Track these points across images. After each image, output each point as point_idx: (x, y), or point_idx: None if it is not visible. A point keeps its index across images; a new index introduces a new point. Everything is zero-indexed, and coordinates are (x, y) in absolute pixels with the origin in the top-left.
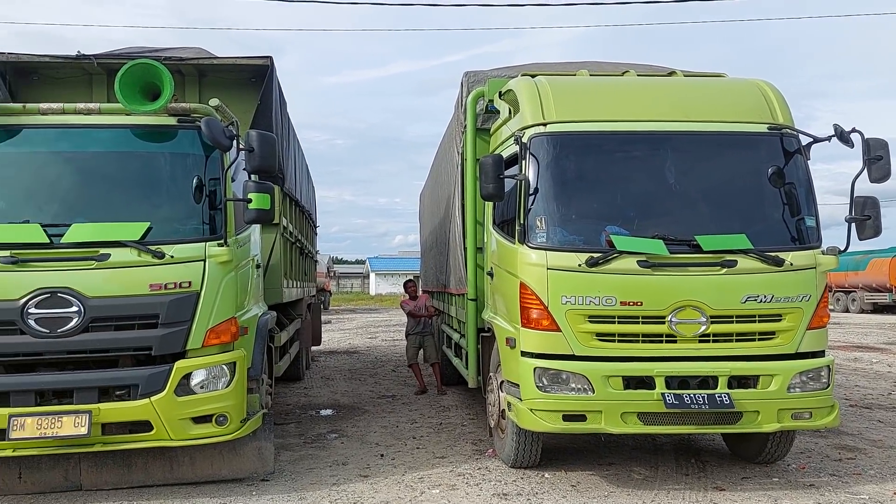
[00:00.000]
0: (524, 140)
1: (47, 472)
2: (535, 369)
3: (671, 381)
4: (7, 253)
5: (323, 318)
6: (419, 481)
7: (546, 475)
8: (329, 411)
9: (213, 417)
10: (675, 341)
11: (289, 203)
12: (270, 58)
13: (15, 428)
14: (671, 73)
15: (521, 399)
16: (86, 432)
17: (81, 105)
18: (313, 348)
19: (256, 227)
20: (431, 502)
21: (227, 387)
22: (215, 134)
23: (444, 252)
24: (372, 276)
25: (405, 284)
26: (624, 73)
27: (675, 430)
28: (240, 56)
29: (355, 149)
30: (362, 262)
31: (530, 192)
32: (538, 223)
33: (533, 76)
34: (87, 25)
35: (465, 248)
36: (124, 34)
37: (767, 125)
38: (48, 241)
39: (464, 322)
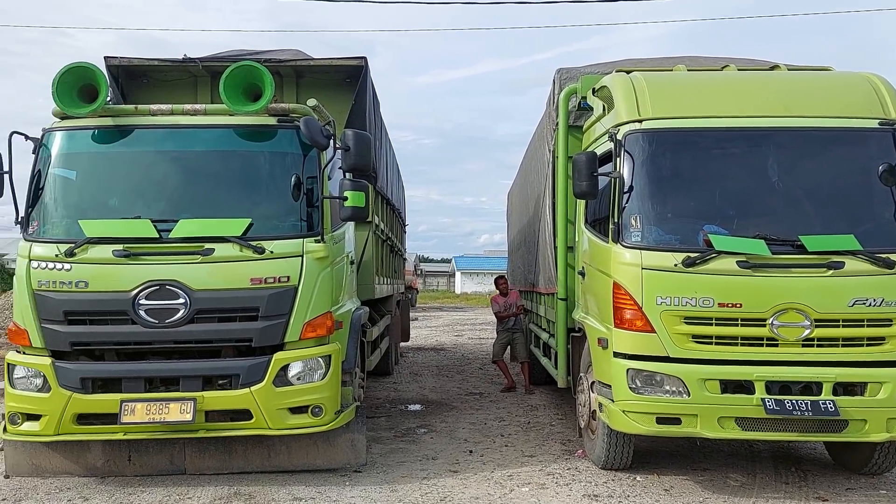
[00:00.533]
0: (619, 137)
1: (154, 455)
2: (627, 370)
3: (772, 387)
4: (120, 247)
5: (410, 314)
6: (508, 479)
7: (638, 478)
8: (418, 406)
9: (309, 408)
10: (776, 345)
11: (381, 201)
12: (364, 58)
13: (126, 412)
14: (774, 67)
15: (613, 400)
16: (190, 419)
17: (188, 106)
18: (402, 344)
19: (350, 225)
20: (521, 500)
21: (322, 379)
22: (313, 133)
23: (533, 251)
24: (458, 274)
25: (496, 280)
26: (723, 67)
27: (775, 437)
28: (335, 57)
29: (442, 148)
30: (448, 261)
31: (625, 190)
32: (633, 222)
33: (628, 72)
34: (187, 30)
35: (555, 247)
36: (223, 38)
37: (879, 120)
38: (157, 236)
39: (553, 322)
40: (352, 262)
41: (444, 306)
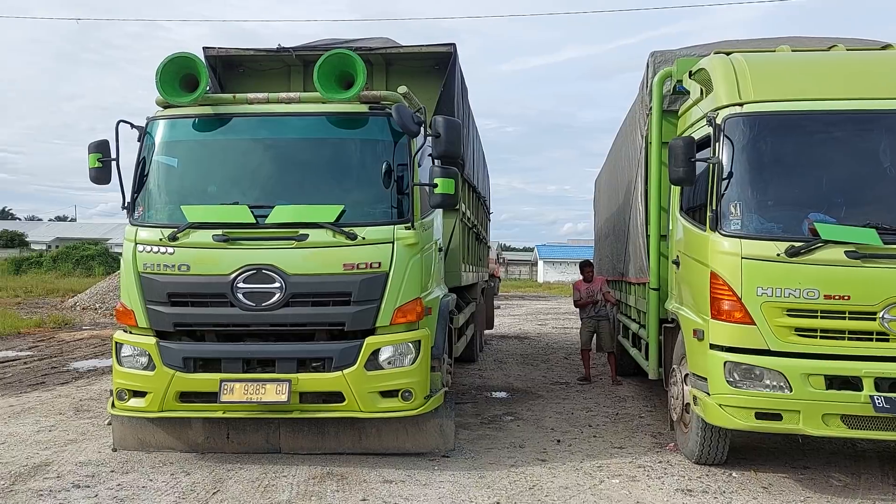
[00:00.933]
0: (718, 121)
1: (251, 434)
2: (725, 363)
3: (881, 383)
4: (220, 232)
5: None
6: (598, 469)
7: (734, 474)
8: (503, 394)
9: (399, 392)
10: (887, 340)
11: (467, 189)
12: (453, 45)
13: (225, 392)
14: (886, 47)
15: (708, 393)
16: (286, 399)
17: (283, 95)
18: (486, 332)
19: (439, 212)
20: (612, 492)
21: (412, 364)
22: (405, 120)
23: (623, 240)
24: (540, 263)
25: (582, 266)
26: (830, 47)
27: (884, 436)
28: (424, 44)
29: (526, 136)
30: (530, 250)
31: (724, 177)
32: (732, 209)
33: (727, 53)
34: (275, 21)
35: (647, 236)
36: (311, 29)
37: None
38: (254, 222)
39: (644, 312)
40: (440, 250)
41: (527, 295)
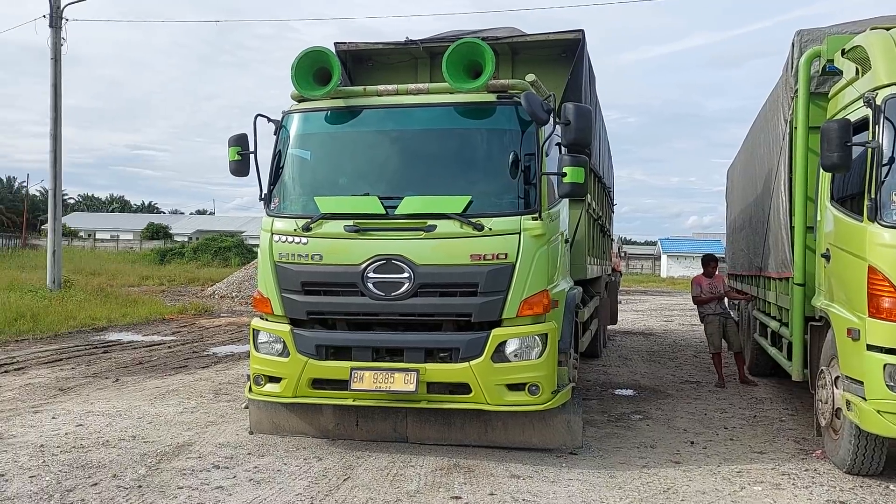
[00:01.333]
0: (878, 102)
1: (380, 422)
2: (885, 366)
3: None
4: (351, 222)
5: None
6: (737, 475)
7: (892, 486)
8: (629, 391)
9: (526, 386)
10: None
11: (593, 179)
12: (582, 31)
13: (356, 380)
14: None
15: (864, 399)
16: (413, 389)
17: (412, 86)
18: (609, 327)
19: (565, 202)
20: (754, 500)
21: (539, 357)
22: (534, 108)
23: (762, 232)
24: (663, 257)
25: (706, 260)
26: None
27: None
28: (551, 32)
29: (647, 126)
30: (653, 244)
31: (884, 162)
32: (894, 198)
33: (886, 29)
34: (396, 16)
35: (791, 228)
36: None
37: None
38: (384, 212)
39: (785, 309)
40: (566, 241)
41: (649, 290)
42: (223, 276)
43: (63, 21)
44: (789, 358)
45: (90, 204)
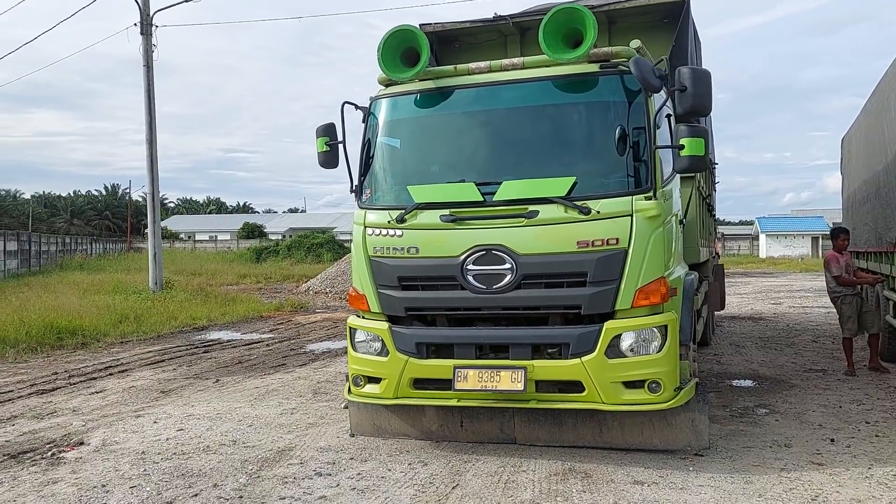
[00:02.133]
0: None
1: (485, 422)
2: None
3: None
4: (447, 212)
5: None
6: (893, 478)
7: None
8: (749, 382)
9: (646, 383)
10: None
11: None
12: None
13: (459, 379)
14: None
15: None
16: (521, 388)
17: (506, 61)
18: (716, 313)
19: (677, 179)
20: None
21: (658, 351)
22: (645, 74)
23: (892, 203)
24: (762, 237)
25: (836, 232)
26: None
27: None
28: None
29: (736, 102)
30: (749, 223)
31: None
32: None
33: None
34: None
35: None
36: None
37: None
38: (482, 199)
39: None
40: (680, 223)
41: (750, 272)
42: (316, 272)
43: (153, 28)
44: None
45: (189, 207)
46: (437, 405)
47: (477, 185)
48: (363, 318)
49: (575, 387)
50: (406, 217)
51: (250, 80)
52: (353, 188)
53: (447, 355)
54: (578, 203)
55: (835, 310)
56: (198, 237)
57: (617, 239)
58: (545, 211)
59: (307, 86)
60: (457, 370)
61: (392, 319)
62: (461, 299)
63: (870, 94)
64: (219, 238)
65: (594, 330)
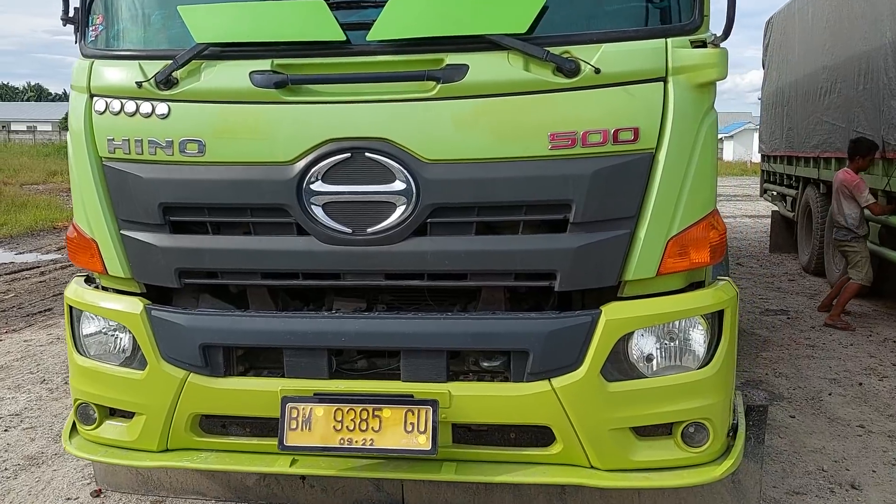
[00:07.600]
0: None
1: (348, 477)
2: None
3: None
4: (268, 64)
5: None
6: None
7: None
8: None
9: (679, 428)
10: None
11: None
12: None
13: (294, 424)
14: None
15: None
16: (428, 446)
17: None
18: None
19: None
20: None
21: (705, 363)
22: None
23: (872, 96)
24: None
25: (866, 146)
26: None
27: None
28: None
29: None
30: None
31: None
32: None
33: None
34: None
35: None
36: None
37: None
38: (343, 39)
39: None
40: None
41: None
42: None
43: None
44: None
45: (5, 94)
46: (250, 472)
47: (330, 5)
48: (96, 287)
49: (537, 436)
50: (178, 75)
51: None
52: (66, 14)
53: (271, 369)
54: (556, 50)
55: (773, 226)
56: (14, 127)
57: (636, 129)
58: (478, 65)
59: None
60: (289, 404)
61: (153, 293)
62: (298, 255)
63: None
64: (38, 129)
65: (580, 323)
